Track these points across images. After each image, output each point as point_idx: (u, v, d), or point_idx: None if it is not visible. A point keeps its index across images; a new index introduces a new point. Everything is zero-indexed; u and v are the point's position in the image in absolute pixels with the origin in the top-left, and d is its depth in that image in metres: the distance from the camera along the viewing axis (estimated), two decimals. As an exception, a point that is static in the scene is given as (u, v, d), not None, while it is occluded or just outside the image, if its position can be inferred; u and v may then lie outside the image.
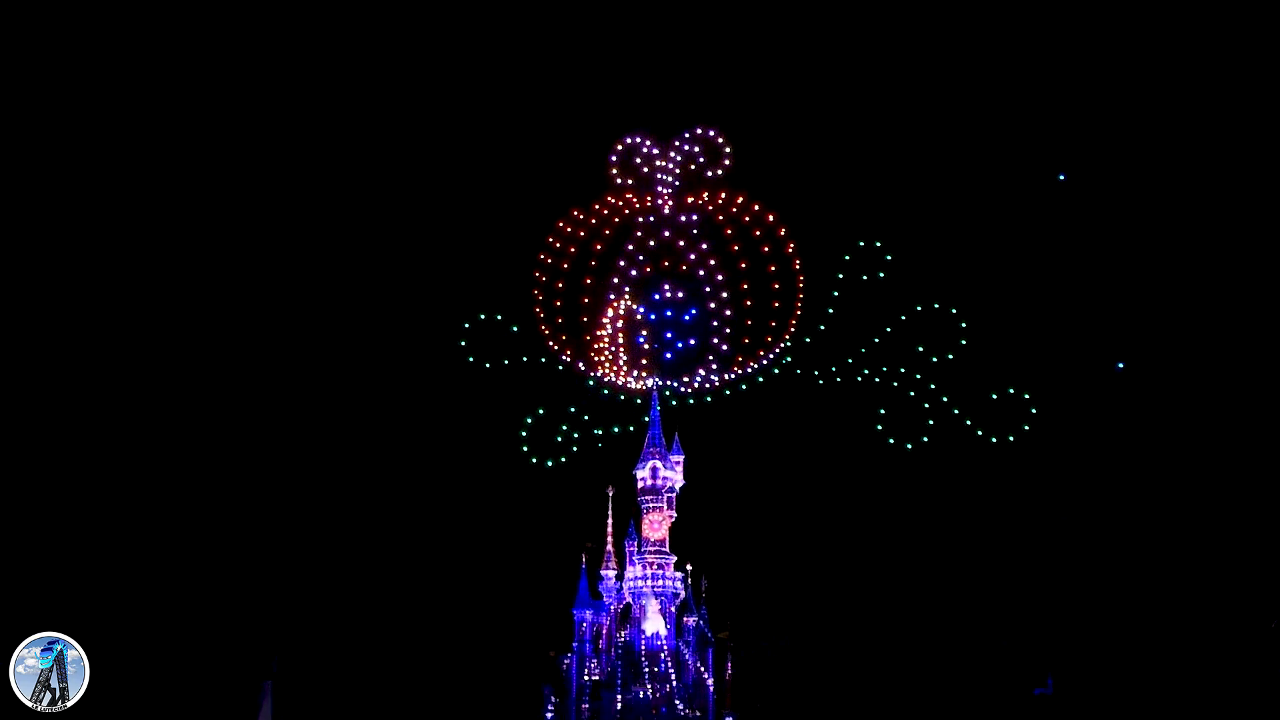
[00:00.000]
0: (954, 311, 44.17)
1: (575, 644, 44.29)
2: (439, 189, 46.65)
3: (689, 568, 44.44)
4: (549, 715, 43.83)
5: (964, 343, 43.90)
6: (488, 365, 44.51)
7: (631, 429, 44.57)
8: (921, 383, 43.81)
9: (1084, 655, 43.28)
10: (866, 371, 44.06)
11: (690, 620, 44.07)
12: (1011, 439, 43.11)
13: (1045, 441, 43.78)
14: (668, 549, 44.34)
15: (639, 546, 44.45)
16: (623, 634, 44.12)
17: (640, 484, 44.35)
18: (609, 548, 44.99)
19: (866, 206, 46.67)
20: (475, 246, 45.80)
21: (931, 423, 43.58)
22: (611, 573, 44.76)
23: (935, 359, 43.87)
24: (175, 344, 45.13)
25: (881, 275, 44.44)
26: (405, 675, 46.63)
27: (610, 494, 44.82)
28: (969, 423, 43.25)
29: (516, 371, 44.74)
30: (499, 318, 44.70)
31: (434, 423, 46.78)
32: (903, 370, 43.99)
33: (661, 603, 43.88)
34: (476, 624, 47.47)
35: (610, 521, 45.00)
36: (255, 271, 46.62)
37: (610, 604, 44.61)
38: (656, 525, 44.30)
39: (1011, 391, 43.40)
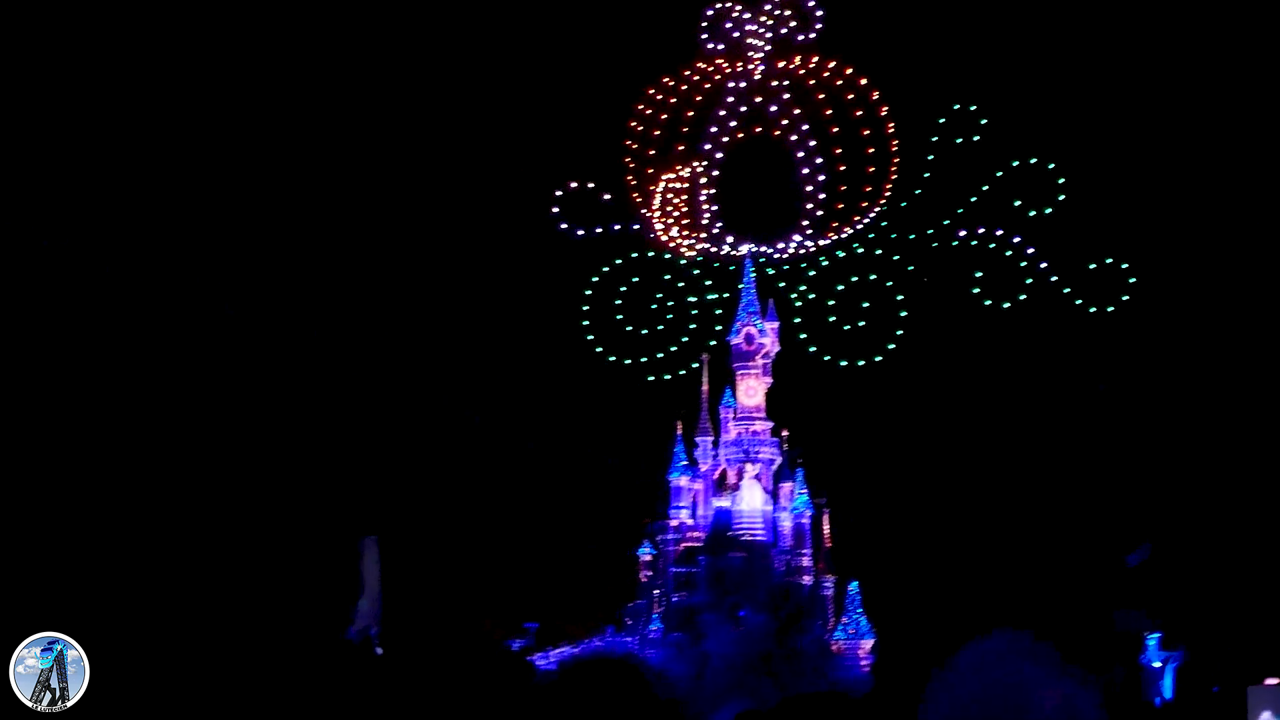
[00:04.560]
0: (1051, 167, 43.61)
1: (671, 510, 44.57)
2: (529, 57, 46.44)
3: (785, 433, 44.48)
4: (644, 579, 44.25)
5: (1062, 198, 43.34)
6: (580, 234, 44.54)
7: (725, 295, 44.53)
8: (1019, 244, 43.44)
9: (1181, 524, 43.10)
10: (963, 233, 43.73)
11: (786, 485, 44.21)
12: (1110, 309, 42.72)
13: (1144, 309, 43.38)
14: (764, 415, 44.36)
15: (734, 413, 44.48)
16: (718, 500, 44.33)
17: (735, 350, 44.29)
18: (704, 414, 45.08)
19: (960, 68, 46.05)
20: (566, 115, 45.65)
21: (1030, 281, 43.23)
22: (707, 439, 44.86)
23: (1033, 214, 43.37)
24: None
25: (976, 138, 43.96)
26: (504, 543, 47.19)
27: (705, 360, 44.76)
28: (1066, 288, 42.89)
29: (609, 240, 44.76)
30: (590, 186, 44.66)
31: (527, 292, 46.90)
32: (1000, 231, 43.60)
33: (758, 469, 44.01)
34: (574, 492, 47.86)
35: (705, 388, 45.04)
36: (335, 142, 46.68)
37: (706, 470, 44.79)
38: (752, 391, 44.30)
39: (1110, 261, 42.94)
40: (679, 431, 44.67)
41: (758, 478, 43.91)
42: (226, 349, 44.91)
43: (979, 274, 43.32)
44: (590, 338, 44.22)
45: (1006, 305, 43.11)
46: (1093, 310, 42.97)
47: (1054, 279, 43.06)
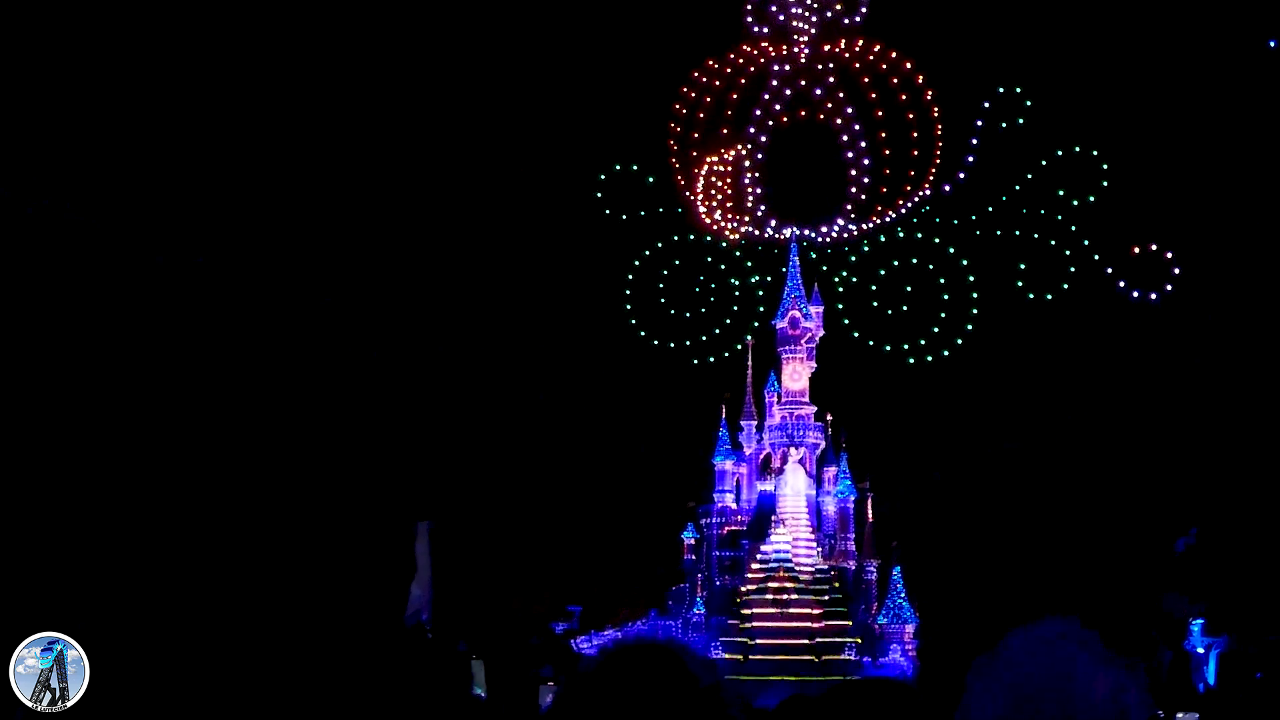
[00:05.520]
0: (1095, 154, 43.38)
1: (715, 493, 44.65)
2: (575, 41, 46.45)
3: (829, 418, 44.49)
4: (689, 561, 44.35)
5: (1105, 185, 43.09)
6: (624, 216, 44.56)
7: (769, 279, 44.51)
8: (1063, 231, 43.25)
9: (1229, 509, 42.88)
10: (1007, 221, 43.57)
11: (830, 470, 44.22)
12: (1154, 296, 42.51)
13: (1190, 297, 43.14)
14: (808, 399, 44.37)
15: (779, 397, 44.51)
16: (762, 484, 44.38)
17: (780, 334, 44.30)
18: (749, 398, 45.12)
19: (1005, 52, 45.84)
20: (610, 98, 45.66)
21: (1073, 269, 43.05)
22: (752, 423, 44.91)
23: (1076, 203, 43.16)
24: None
25: (1021, 121, 43.76)
26: (552, 525, 47.34)
27: (750, 344, 44.80)
28: (1110, 273, 42.69)
29: (653, 222, 44.77)
30: (634, 169, 44.68)
31: (573, 276, 46.96)
32: (1043, 212, 43.40)
33: (802, 453, 44.01)
34: (619, 475, 47.95)
35: (750, 372, 45.10)
36: (387, 132, 46.83)
37: (750, 454, 44.84)
38: (797, 375, 44.32)
39: (1155, 248, 42.71)
40: (723, 415, 44.77)
41: (801, 462, 43.92)
42: (283, 341, 45.13)
43: (1023, 265, 43.15)
44: (633, 321, 44.26)
45: (1050, 297, 42.93)
46: (1136, 296, 42.76)
47: (1100, 266, 42.87)
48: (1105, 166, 43.34)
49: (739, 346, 44.53)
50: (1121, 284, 42.48)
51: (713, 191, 44.56)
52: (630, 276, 44.45)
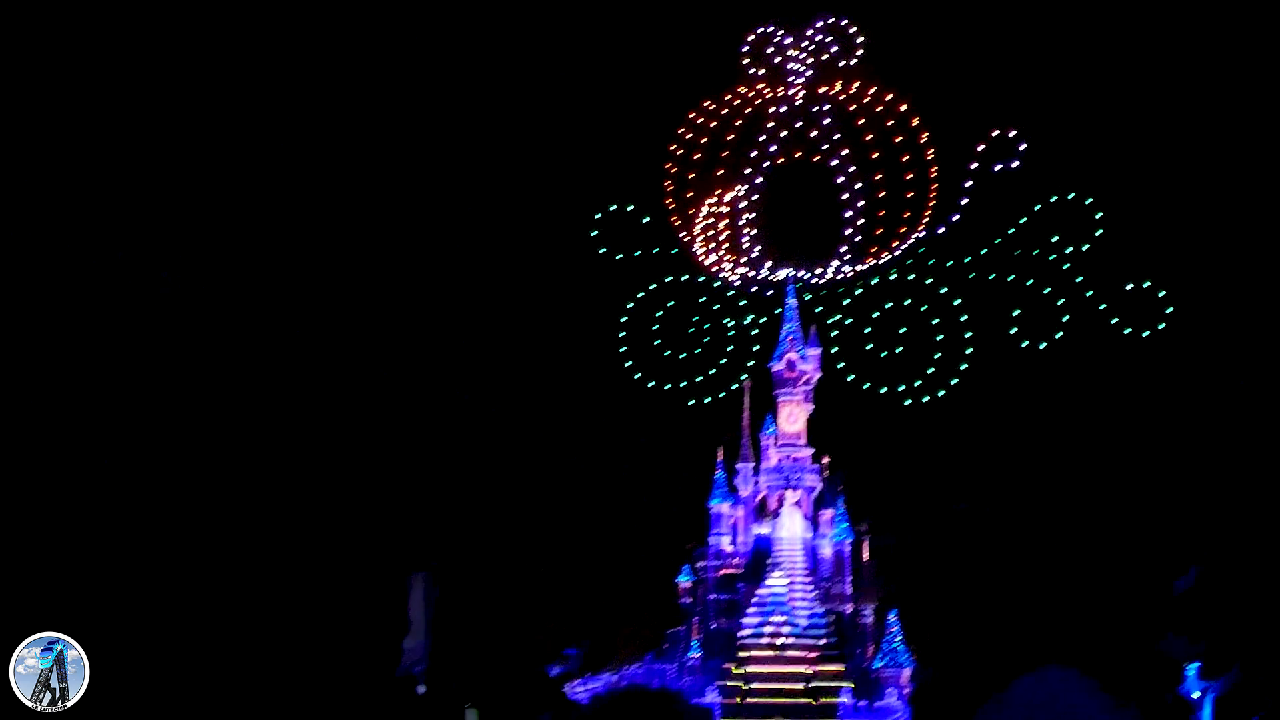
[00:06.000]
0: (1090, 202, 43.40)
1: (711, 536, 44.50)
2: (572, 79, 46.49)
3: (826, 460, 44.39)
4: (685, 604, 44.18)
5: (1100, 233, 43.12)
6: (620, 256, 44.50)
7: (764, 320, 44.43)
8: (1057, 273, 43.21)
9: (1232, 545, 42.62)
10: (1001, 263, 43.53)
11: (827, 512, 44.09)
12: (1146, 334, 42.45)
13: (1183, 333, 43.09)
14: (805, 442, 44.27)
15: (775, 439, 44.41)
16: (758, 527, 44.24)
17: (776, 376, 44.22)
18: (745, 440, 45.01)
19: (1000, 94, 45.91)
20: (607, 138, 45.67)
21: (1066, 319, 43.01)
22: (748, 465, 44.80)
23: (1071, 249, 43.16)
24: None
25: (1016, 165, 43.78)
26: (546, 567, 47.14)
27: (747, 386, 44.71)
28: (1104, 309, 42.64)
29: (649, 262, 44.71)
30: (630, 209, 44.64)
31: (566, 315, 46.87)
32: (1037, 252, 43.36)
33: (799, 495, 43.90)
34: (615, 516, 47.77)
35: (747, 414, 44.99)
36: (374, 163, 46.80)
37: (746, 496, 44.71)
38: (793, 418, 44.25)
39: (1148, 285, 42.67)
40: (720, 458, 44.67)
41: (798, 504, 43.81)
42: (275, 376, 44.98)
43: (1017, 312, 43.12)
44: (629, 363, 44.16)
45: (1044, 345, 42.87)
46: (1127, 332, 42.72)
47: (1094, 304, 42.81)
48: (1100, 214, 43.36)
49: (735, 387, 44.40)
50: (1116, 322, 42.43)
51: (710, 232, 44.53)
52: (625, 318, 44.37)
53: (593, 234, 44.37)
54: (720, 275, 44.50)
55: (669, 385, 43.73)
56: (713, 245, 44.53)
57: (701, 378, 43.89)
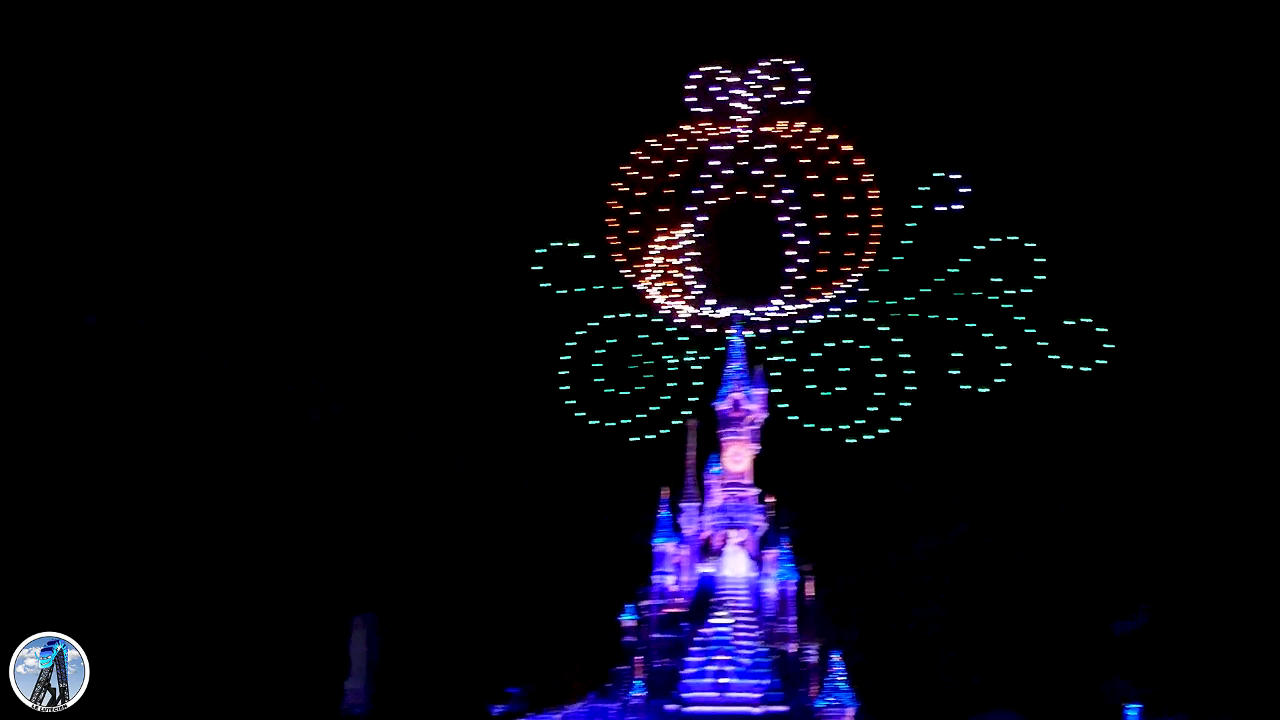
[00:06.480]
0: (1031, 246, 43.68)
1: (655, 575, 44.30)
2: (516, 116, 46.53)
3: (770, 500, 44.25)
4: (628, 642, 43.93)
5: (1042, 277, 43.39)
6: (563, 293, 44.42)
7: (706, 358, 44.39)
8: (999, 314, 43.40)
9: (1179, 586, 42.76)
10: (943, 303, 43.70)
11: (771, 552, 43.95)
12: (1087, 369, 42.66)
13: (1123, 372, 43.36)
14: (750, 481, 44.14)
15: (721, 479, 44.25)
16: (702, 566, 44.07)
17: (721, 416, 44.09)
18: (689, 479, 44.84)
19: (943, 137, 46.21)
20: (550, 175, 45.69)
21: (1007, 366, 43.23)
22: (693, 505, 44.61)
23: (1013, 291, 43.42)
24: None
25: (958, 206, 44.00)
26: (489, 608, 46.92)
27: (694, 425, 44.54)
28: (1046, 347, 42.87)
29: (592, 300, 44.64)
30: (574, 245, 44.59)
31: (509, 351, 46.79)
32: (978, 293, 43.57)
33: (743, 535, 43.74)
34: (559, 557, 47.62)
35: (692, 453, 44.81)
36: (325, 195, 46.71)
37: (691, 535, 44.53)
38: (738, 458, 44.07)
39: (1089, 321, 42.89)
40: (665, 496, 44.45)
41: (743, 544, 43.65)
42: (228, 420, 44.81)
43: (958, 355, 43.29)
44: (571, 401, 44.06)
45: (985, 390, 43.06)
46: (1067, 368, 42.97)
47: (1035, 343, 43.03)
48: (1041, 259, 43.64)
49: (678, 423, 44.31)
50: (1057, 359, 42.67)
51: (655, 270, 44.50)
52: (568, 356, 44.27)
53: (536, 269, 44.34)
54: (664, 313, 44.45)
55: (611, 423, 43.64)
56: (657, 282, 44.48)
57: (645, 415, 43.82)
